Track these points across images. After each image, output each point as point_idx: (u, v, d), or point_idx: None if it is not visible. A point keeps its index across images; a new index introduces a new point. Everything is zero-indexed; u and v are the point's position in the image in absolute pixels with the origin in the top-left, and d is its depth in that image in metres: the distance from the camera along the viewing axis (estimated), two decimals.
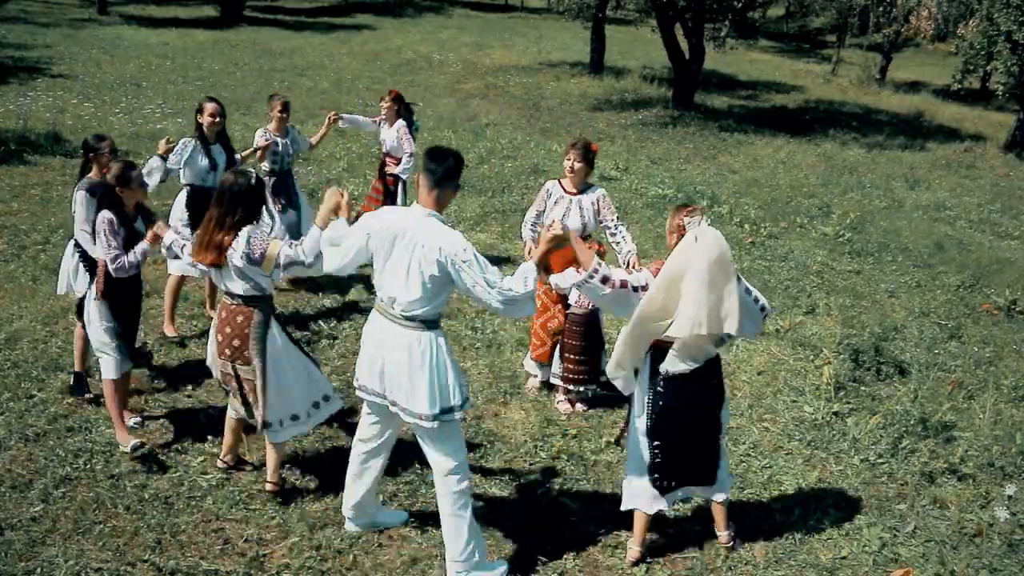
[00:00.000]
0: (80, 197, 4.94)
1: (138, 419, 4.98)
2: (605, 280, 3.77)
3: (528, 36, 26.79)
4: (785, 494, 4.82)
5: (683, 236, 3.77)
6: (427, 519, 4.32)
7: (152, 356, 5.61)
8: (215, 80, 16.30)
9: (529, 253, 5.46)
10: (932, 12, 24.79)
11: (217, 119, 5.95)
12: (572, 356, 5.45)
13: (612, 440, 5.11)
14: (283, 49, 20.85)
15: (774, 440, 5.40)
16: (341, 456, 4.81)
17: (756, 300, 3.98)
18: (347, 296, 7.04)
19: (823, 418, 5.64)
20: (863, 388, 6.14)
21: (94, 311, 4.63)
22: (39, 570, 3.80)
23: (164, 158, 5.70)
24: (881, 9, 24.92)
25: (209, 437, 4.87)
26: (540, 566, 4.10)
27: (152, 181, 5.57)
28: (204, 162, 5.94)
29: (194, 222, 5.88)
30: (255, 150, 6.63)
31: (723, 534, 4.27)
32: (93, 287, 4.65)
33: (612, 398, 5.60)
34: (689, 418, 3.98)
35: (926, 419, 5.54)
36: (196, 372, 5.58)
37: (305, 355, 4.36)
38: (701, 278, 3.64)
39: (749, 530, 4.40)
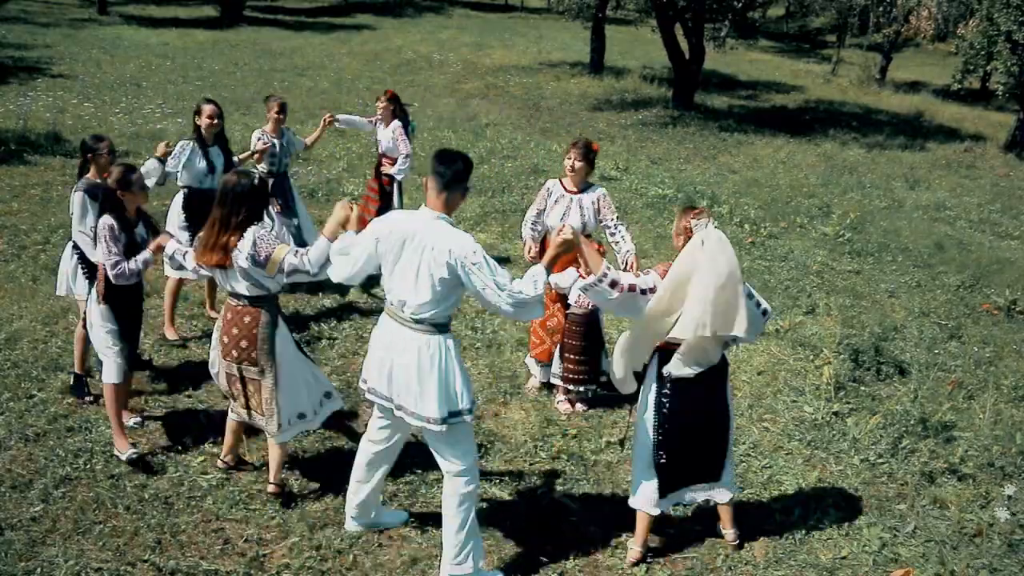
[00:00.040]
0: (77, 199, 4.93)
1: (138, 419, 4.98)
2: (614, 284, 3.77)
3: (528, 36, 26.80)
4: (785, 494, 4.82)
5: (690, 238, 3.79)
6: (427, 519, 4.32)
7: (152, 362, 5.61)
8: (215, 80, 16.30)
9: (529, 251, 5.52)
10: (932, 12, 24.79)
11: (215, 121, 5.93)
12: (572, 356, 5.45)
13: (616, 441, 5.11)
14: (283, 49, 20.85)
15: (774, 440, 5.40)
16: (341, 456, 4.82)
17: (758, 304, 4.00)
18: (347, 296, 7.04)
19: (823, 418, 5.64)
20: (863, 388, 6.14)
21: (95, 314, 4.60)
22: (39, 570, 3.80)
23: (162, 161, 5.68)
24: (881, 9, 24.92)
25: (209, 437, 4.87)
26: (540, 566, 4.10)
27: (149, 184, 5.56)
28: (202, 164, 5.92)
29: (191, 224, 5.87)
30: (252, 153, 6.63)
31: (729, 532, 4.28)
32: (94, 290, 4.63)
33: (612, 398, 5.60)
34: (695, 422, 4.00)
35: (926, 419, 5.55)
36: (196, 372, 5.58)
37: (303, 353, 4.37)
38: (707, 280, 3.65)
39: (749, 530, 4.40)
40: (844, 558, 4.31)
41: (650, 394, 4.01)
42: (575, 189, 5.42)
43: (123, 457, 4.55)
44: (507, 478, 4.75)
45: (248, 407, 4.24)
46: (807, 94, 20.99)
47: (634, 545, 4.15)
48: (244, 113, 13.21)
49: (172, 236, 4.60)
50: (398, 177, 7.37)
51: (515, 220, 8.95)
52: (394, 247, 3.63)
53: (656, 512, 4.08)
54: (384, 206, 7.46)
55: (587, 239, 4.81)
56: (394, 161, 7.32)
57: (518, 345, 6.34)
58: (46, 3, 25.87)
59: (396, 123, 7.29)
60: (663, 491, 4.06)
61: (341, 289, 7.14)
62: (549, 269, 3.68)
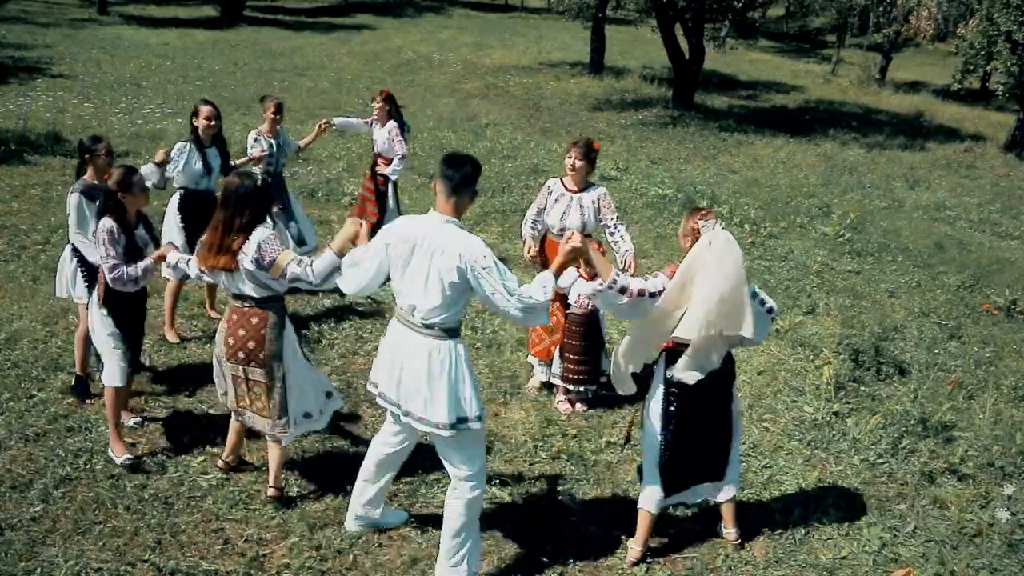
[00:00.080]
0: (73, 200, 4.89)
1: (138, 419, 4.97)
2: (623, 291, 3.79)
3: (528, 36, 26.80)
4: (785, 494, 4.82)
5: (697, 239, 3.82)
6: (427, 519, 4.32)
7: (156, 367, 5.59)
8: (215, 80, 16.30)
9: (528, 250, 5.52)
10: (932, 12, 24.79)
11: (212, 122, 5.91)
12: (572, 356, 5.45)
13: (619, 440, 5.11)
14: (283, 49, 20.85)
15: (774, 440, 5.40)
16: (340, 457, 4.82)
17: (763, 303, 4.02)
18: (346, 297, 7.04)
19: (823, 418, 5.64)
20: (863, 388, 6.14)
21: (96, 318, 4.56)
22: (39, 570, 3.80)
23: (160, 165, 5.61)
24: (881, 9, 24.92)
25: (209, 437, 4.87)
26: (540, 566, 4.09)
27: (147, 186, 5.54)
28: (198, 165, 5.88)
29: (187, 226, 5.84)
30: (249, 160, 6.59)
31: (730, 532, 4.29)
32: (95, 293, 4.59)
33: (612, 398, 5.60)
34: (702, 422, 4.03)
35: (926, 419, 5.55)
36: (196, 373, 5.59)
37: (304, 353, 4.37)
38: (713, 280, 3.68)
39: (749, 530, 4.40)
40: (844, 558, 4.31)
41: (658, 394, 4.03)
42: (576, 188, 5.42)
43: (118, 461, 4.54)
44: (507, 478, 4.75)
45: (250, 410, 4.22)
46: (807, 94, 20.99)
47: (634, 544, 4.15)
48: (244, 113, 13.21)
49: (175, 247, 4.56)
50: (393, 177, 7.37)
51: (515, 220, 8.95)
52: (404, 252, 3.62)
53: (657, 510, 4.10)
54: (380, 207, 7.46)
55: (587, 239, 4.81)
56: (389, 161, 7.32)
57: (518, 345, 6.34)
58: (46, 3, 25.87)
59: (392, 123, 7.29)
60: (667, 490, 4.09)
61: (340, 289, 7.13)
62: (557, 276, 3.69)
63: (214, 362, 4.31)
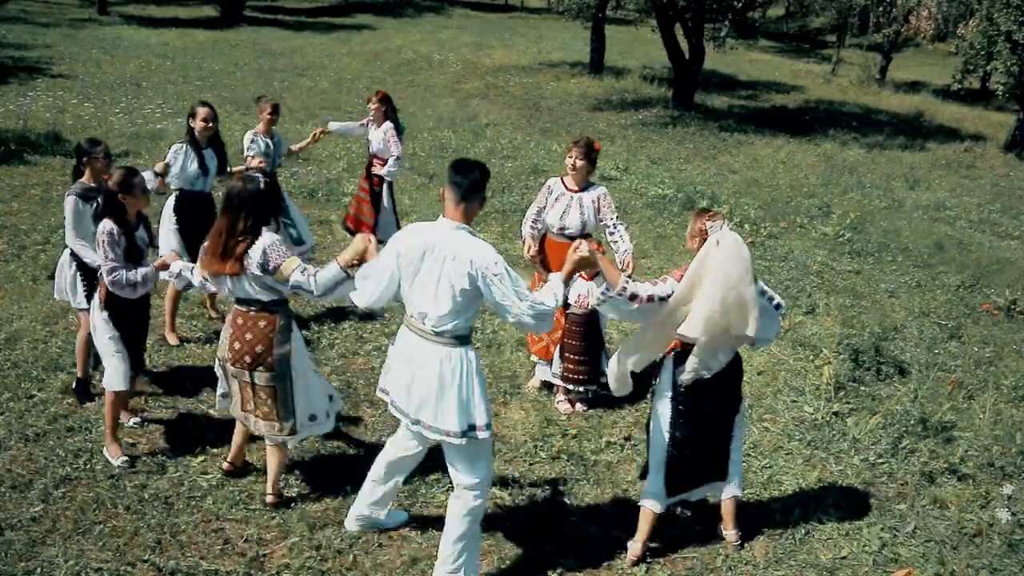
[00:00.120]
0: (70, 203, 4.82)
1: (137, 420, 4.97)
2: (633, 297, 3.81)
3: (528, 36, 26.80)
4: (785, 494, 4.82)
5: (705, 240, 3.84)
6: (427, 519, 4.32)
7: (151, 370, 5.57)
8: (215, 80, 16.30)
9: (528, 250, 5.52)
10: (932, 12, 24.79)
11: (209, 124, 5.88)
12: (572, 356, 5.45)
13: (619, 440, 5.11)
14: (283, 49, 20.85)
15: (774, 440, 5.40)
16: (340, 457, 4.82)
17: (771, 299, 4.04)
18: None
19: (823, 418, 5.64)
20: (863, 388, 6.14)
21: (98, 320, 4.52)
22: (39, 570, 3.80)
23: (158, 175, 5.51)
24: (881, 9, 24.92)
25: (209, 437, 4.87)
26: (540, 566, 4.09)
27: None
28: (194, 166, 5.82)
29: (183, 227, 5.81)
30: (246, 169, 6.54)
31: (731, 532, 4.30)
32: (96, 296, 4.55)
33: (612, 398, 5.59)
34: (708, 421, 4.06)
35: (926, 419, 5.54)
36: (197, 373, 5.59)
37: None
38: (719, 280, 3.70)
39: (749, 530, 4.41)
40: (844, 558, 4.31)
41: (666, 394, 4.05)
42: (576, 188, 5.42)
43: (115, 463, 4.53)
44: (507, 478, 4.75)
45: (254, 415, 4.16)
46: (807, 94, 20.99)
47: (635, 543, 4.15)
48: (244, 113, 13.20)
49: (177, 255, 4.52)
50: (388, 178, 7.36)
51: (515, 220, 8.95)
52: (414, 259, 3.60)
53: (659, 509, 4.11)
54: (374, 207, 7.45)
55: (587, 239, 4.81)
56: (384, 162, 7.32)
57: (518, 345, 6.35)
58: (46, 3, 25.87)
59: (388, 124, 7.28)
60: (671, 490, 4.10)
61: (341, 302, 7.11)
62: (567, 282, 3.70)
63: (216, 365, 4.30)
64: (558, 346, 5.51)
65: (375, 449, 4.93)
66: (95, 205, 4.79)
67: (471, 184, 3.59)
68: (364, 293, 3.79)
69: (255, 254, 3.89)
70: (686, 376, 3.93)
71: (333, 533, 4.16)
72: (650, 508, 4.11)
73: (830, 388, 5.91)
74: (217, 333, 6.18)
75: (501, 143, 13.06)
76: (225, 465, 4.55)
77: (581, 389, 5.53)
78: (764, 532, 4.44)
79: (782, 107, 18.85)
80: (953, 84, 17.64)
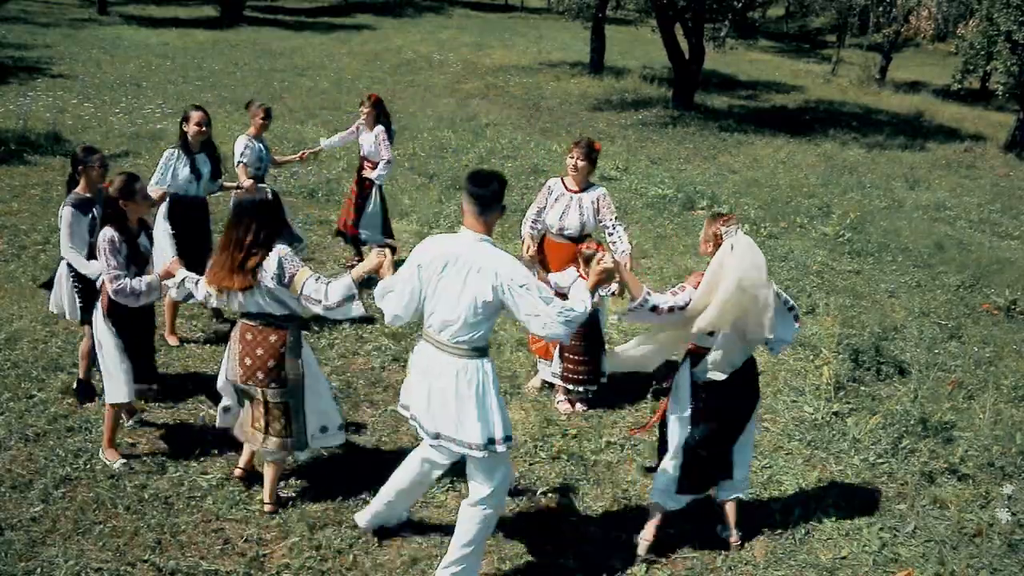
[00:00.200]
0: (66, 214, 4.73)
1: (137, 420, 4.97)
2: (655, 310, 3.85)
3: (528, 36, 26.80)
4: (785, 494, 4.82)
5: (718, 244, 3.87)
6: (427, 519, 4.32)
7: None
8: (215, 80, 16.30)
9: (527, 250, 5.52)
10: (932, 12, 24.79)
11: (203, 128, 5.85)
12: (572, 356, 5.45)
13: (618, 441, 5.11)
14: (283, 49, 20.85)
15: (774, 440, 5.40)
16: (340, 457, 4.82)
17: (786, 302, 4.08)
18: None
19: (823, 418, 5.64)
20: (863, 388, 6.14)
21: (102, 330, 4.44)
22: (39, 570, 3.80)
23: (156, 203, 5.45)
24: (881, 9, 24.92)
25: (209, 438, 4.86)
26: (540, 566, 4.09)
27: None
28: (186, 171, 5.78)
29: (176, 232, 5.71)
30: (239, 187, 6.49)
31: (731, 533, 4.31)
32: (99, 304, 4.47)
33: (612, 398, 5.61)
34: (723, 421, 4.08)
35: (926, 419, 5.54)
36: (197, 374, 5.58)
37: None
38: (734, 282, 3.73)
39: (749, 530, 4.41)
40: (844, 558, 4.31)
41: (683, 395, 4.08)
42: (576, 188, 5.43)
43: (114, 467, 4.52)
44: None
45: (262, 432, 4.11)
46: (807, 94, 20.99)
47: (642, 539, 4.17)
48: (244, 113, 13.17)
49: (181, 263, 4.42)
50: (377, 182, 7.35)
51: (515, 220, 8.92)
52: (435, 271, 3.59)
53: (672, 507, 4.15)
54: (358, 207, 7.42)
55: (587, 239, 4.82)
56: (375, 165, 7.31)
57: (518, 345, 6.34)
58: (46, 3, 25.87)
59: (379, 128, 7.26)
60: (681, 488, 4.13)
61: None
62: (593, 292, 3.70)
63: (221, 382, 4.23)
64: (558, 346, 5.51)
65: (375, 449, 4.95)
66: (91, 216, 4.75)
67: (492, 195, 3.59)
68: (389, 307, 3.76)
69: (270, 266, 3.84)
70: (702, 375, 3.97)
71: (333, 533, 4.16)
72: (661, 506, 4.14)
73: (830, 388, 5.91)
74: (218, 332, 6.19)
75: (501, 143, 13.06)
76: (237, 472, 4.51)
77: (581, 389, 5.53)
78: (764, 532, 4.44)
79: (782, 107, 18.85)
80: (953, 84, 17.64)
